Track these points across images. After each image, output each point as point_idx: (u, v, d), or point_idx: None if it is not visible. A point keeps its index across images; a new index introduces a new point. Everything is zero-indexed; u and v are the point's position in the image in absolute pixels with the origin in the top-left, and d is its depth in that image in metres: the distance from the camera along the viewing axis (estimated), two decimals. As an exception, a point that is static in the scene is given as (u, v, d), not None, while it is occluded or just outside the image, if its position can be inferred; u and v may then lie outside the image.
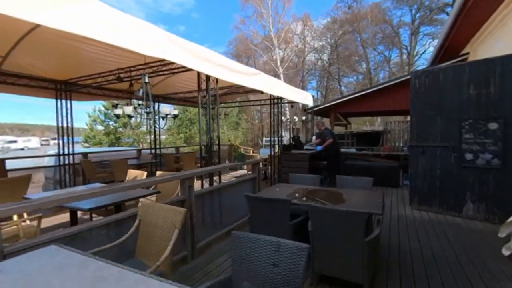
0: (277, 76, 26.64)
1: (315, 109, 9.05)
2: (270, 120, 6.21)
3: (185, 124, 20.53)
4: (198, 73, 4.07)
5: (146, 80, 2.92)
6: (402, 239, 3.64)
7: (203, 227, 3.37)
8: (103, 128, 16.41)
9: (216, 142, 4.56)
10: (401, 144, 7.69)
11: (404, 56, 30.32)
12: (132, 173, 4.19)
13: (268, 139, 8.78)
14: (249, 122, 27.45)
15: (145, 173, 3.98)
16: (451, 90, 4.38)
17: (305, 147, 6.82)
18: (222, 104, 11.15)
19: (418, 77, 4.75)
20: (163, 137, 19.34)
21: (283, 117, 8.92)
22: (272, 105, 6.28)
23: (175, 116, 4.38)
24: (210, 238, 3.41)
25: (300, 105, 8.33)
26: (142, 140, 17.08)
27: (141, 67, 4.71)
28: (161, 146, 9.49)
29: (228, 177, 8.72)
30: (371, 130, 8.17)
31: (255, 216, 2.76)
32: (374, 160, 7.57)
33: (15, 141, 46.62)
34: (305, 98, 7.95)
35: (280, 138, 6.12)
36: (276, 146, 6.65)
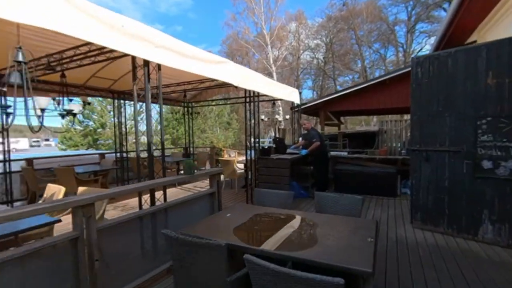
0: (270, 75, 25.73)
1: (302, 107, 8.09)
2: (245, 120, 5.27)
3: (172, 124, 19.51)
4: (133, 58, 3.10)
5: (20, 58, 1.94)
6: (403, 279, 2.69)
7: (127, 269, 2.40)
8: (81, 128, 15.32)
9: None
10: (399, 146, 6.77)
11: (400, 55, 29.60)
12: (50, 189, 3.19)
13: (257, 140, 7.82)
14: (241, 121, 26.48)
15: (63, 189, 2.99)
16: (463, 79, 3.44)
17: (288, 150, 5.87)
18: (200, 102, 10.16)
19: (420, 65, 3.81)
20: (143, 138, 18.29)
21: (263, 117, 7.94)
22: (248, 103, 5.34)
23: (69, 113, 3.33)
24: (135, 283, 2.44)
25: (295, 104, 7.37)
26: (130, 141, 16.02)
27: (70, 53, 3.72)
28: (135, 148, 8.50)
29: (205, 184, 7.74)
30: (365, 130, 7.24)
31: (179, 266, 1.78)
32: (368, 165, 6.63)
33: (1, 143, 45.18)
34: (290, 94, 7.00)
35: (257, 140, 5.17)
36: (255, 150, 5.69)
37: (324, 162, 5.91)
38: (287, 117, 8.29)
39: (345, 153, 6.76)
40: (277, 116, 7.59)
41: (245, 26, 27.18)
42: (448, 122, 3.58)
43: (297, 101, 7.52)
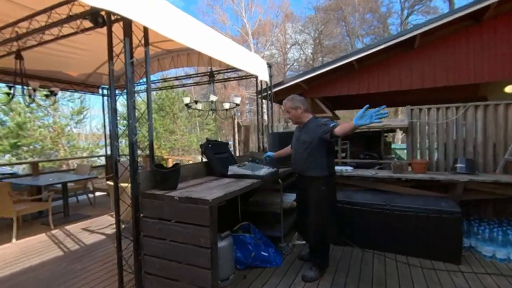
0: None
1: (276, 89, 5.02)
2: (111, 104, 2.13)
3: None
4: None
5: None
6: None
7: None
8: (0, 127, 11.62)
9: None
10: (449, 156, 3.75)
11: (394, 49, 27.19)
12: None
13: (231, 141, 4.51)
14: (219, 120, 23.28)
15: None
16: None
17: (233, 169, 2.67)
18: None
19: None
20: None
21: (187, 100, 4.75)
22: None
23: None
24: None
25: (261, 83, 4.03)
26: (65, 145, 12.34)
27: None
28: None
29: (108, 222, 4.49)
30: (381, 127, 4.21)
31: None
32: (392, 191, 3.57)
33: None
34: (251, 63, 3.87)
35: (132, 151, 2.00)
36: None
37: (331, 188, 2.67)
38: (236, 103, 5.11)
39: (350, 168, 3.66)
40: (212, 98, 4.46)
41: (221, 12, 24.05)
42: None
43: (264, 78, 4.40)
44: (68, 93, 11.88)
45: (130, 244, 2.19)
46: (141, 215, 2.09)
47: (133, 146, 2.01)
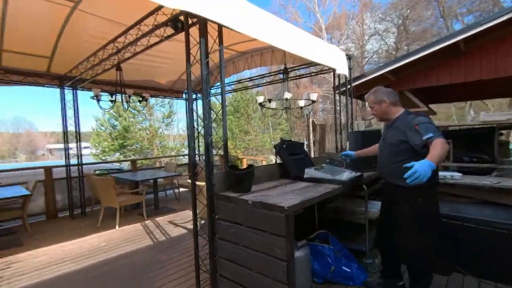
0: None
1: (356, 83, 4.50)
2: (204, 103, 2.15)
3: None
4: None
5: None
6: None
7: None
8: (112, 130, 14.25)
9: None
10: None
11: (509, 25, 21.70)
12: None
13: (302, 142, 4.49)
14: (291, 121, 23.09)
15: None
16: None
17: (310, 172, 2.43)
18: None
19: None
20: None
21: (261, 99, 4.51)
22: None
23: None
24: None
25: (338, 77, 3.70)
26: (158, 145, 14.31)
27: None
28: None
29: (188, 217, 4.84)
30: (498, 122, 3.28)
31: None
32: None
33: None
34: (328, 56, 3.54)
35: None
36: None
37: (431, 200, 2.06)
38: (314, 100, 4.72)
39: (458, 175, 2.94)
40: (286, 95, 4.18)
41: (293, 10, 23.76)
42: None
43: (343, 71, 3.99)
44: (160, 99, 13.66)
45: (207, 243, 2.20)
46: (216, 216, 2.07)
47: (208, 146, 2.00)
